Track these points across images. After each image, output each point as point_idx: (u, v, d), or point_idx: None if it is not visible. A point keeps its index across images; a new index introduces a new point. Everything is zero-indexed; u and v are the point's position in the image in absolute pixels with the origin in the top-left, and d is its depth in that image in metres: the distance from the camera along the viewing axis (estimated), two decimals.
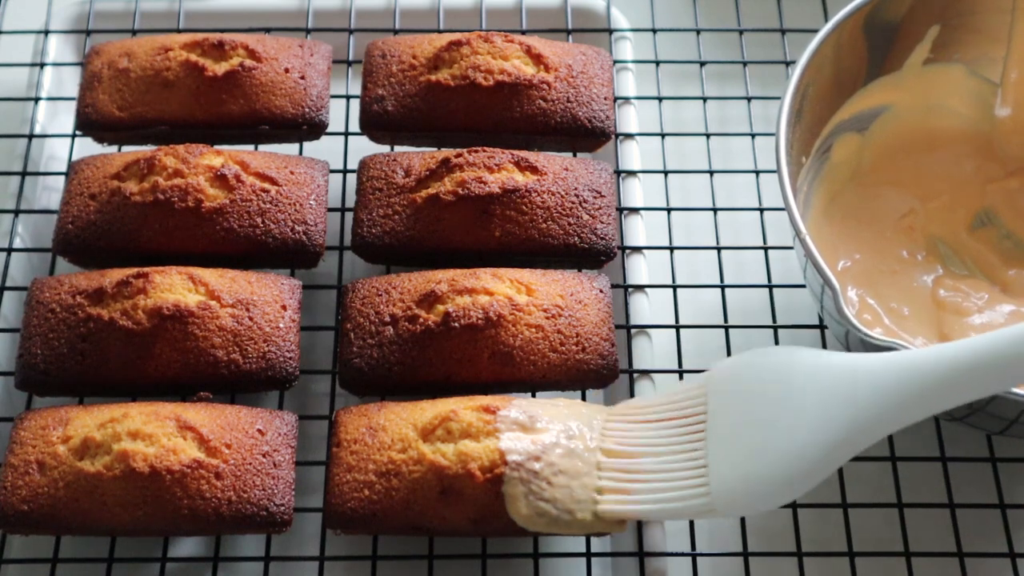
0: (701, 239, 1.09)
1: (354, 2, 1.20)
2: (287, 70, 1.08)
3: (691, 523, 0.94)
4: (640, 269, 1.04)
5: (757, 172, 1.11)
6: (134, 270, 0.96)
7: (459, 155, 1.01)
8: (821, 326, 1.02)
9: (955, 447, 0.98)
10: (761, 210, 1.08)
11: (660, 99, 1.16)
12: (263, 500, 0.89)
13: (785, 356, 0.85)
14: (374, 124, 1.08)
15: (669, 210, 1.08)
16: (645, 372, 0.99)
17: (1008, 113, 1.07)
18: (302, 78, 1.08)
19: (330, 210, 1.06)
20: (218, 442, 0.89)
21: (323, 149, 1.10)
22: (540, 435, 0.88)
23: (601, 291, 0.99)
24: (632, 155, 1.11)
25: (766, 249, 1.06)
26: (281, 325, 0.97)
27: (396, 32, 1.17)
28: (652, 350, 1.01)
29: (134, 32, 1.17)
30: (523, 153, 1.02)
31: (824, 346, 1.01)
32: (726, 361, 0.89)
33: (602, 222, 1.02)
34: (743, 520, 0.94)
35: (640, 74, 1.17)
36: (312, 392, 1.03)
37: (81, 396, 0.98)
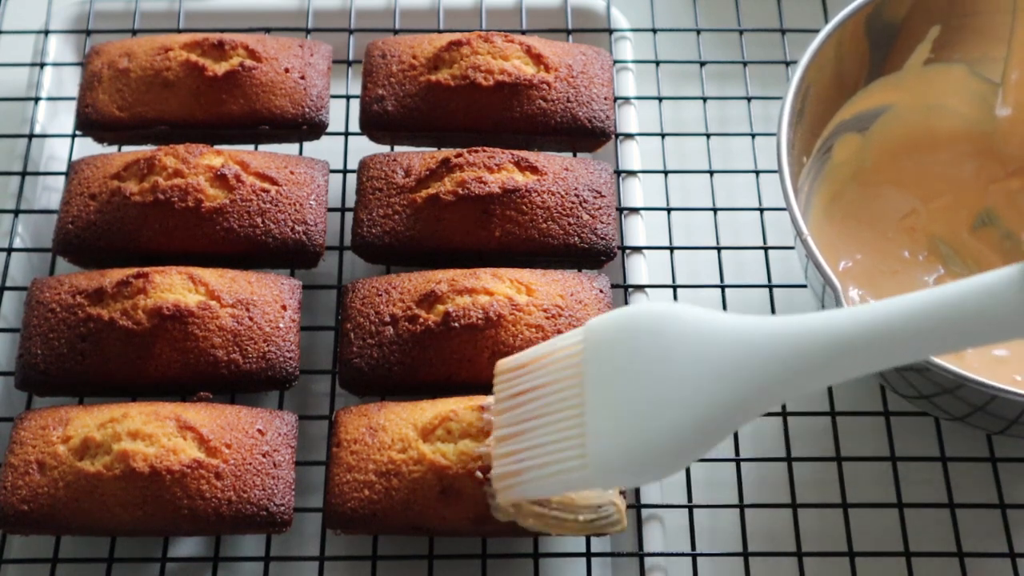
0: (701, 239, 1.08)
1: (354, 2, 1.20)
2: (287, 70, 1.08)
3: (691, 523, 0.94)
4: (640, 269, 1.04)
5: (757, 172, 1.11)
6: (134, 270, 0.96)
7: (459, 155, 1.01)
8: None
9: (955, 447, 0.98)
10: (761, 210, 1.08)
11: (660, 99, 1.16)
12: (263, 500, 0.89)
13: (667, 313, 0.77)
14: (374, 124, 1.07)
15: (669, 210, 1.08)
16: None
17: (1009, 113, 1.07)
18: (302, 78, 1.08)
19: (330, 210, 1.06)
20: (218, 442, 0.89)
21: (323, 149, 1.10)
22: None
23: (601, 291, 0.99)
24: (632, 155, 1.11)
25: (766, 249, 1.06)
26: (281, 325, 0.96)
27: (396, 32, 1.17)
28: None
29: (134, 32, 1.17)
30: (523, 153, 1.02)
31: None
32: (605, 316, 0.81)
33: (602, 222, 1.02)
34: (743, 520, 0.94)
35: (640, 74, 1.17)
36: (312, 392, 1.03)
37: (81, 396, 0.97)
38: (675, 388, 0.75)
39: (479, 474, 0.86)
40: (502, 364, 0.85)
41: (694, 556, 0.93)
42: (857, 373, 0.74)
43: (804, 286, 1.00)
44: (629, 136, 1.12)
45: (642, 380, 0.76)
